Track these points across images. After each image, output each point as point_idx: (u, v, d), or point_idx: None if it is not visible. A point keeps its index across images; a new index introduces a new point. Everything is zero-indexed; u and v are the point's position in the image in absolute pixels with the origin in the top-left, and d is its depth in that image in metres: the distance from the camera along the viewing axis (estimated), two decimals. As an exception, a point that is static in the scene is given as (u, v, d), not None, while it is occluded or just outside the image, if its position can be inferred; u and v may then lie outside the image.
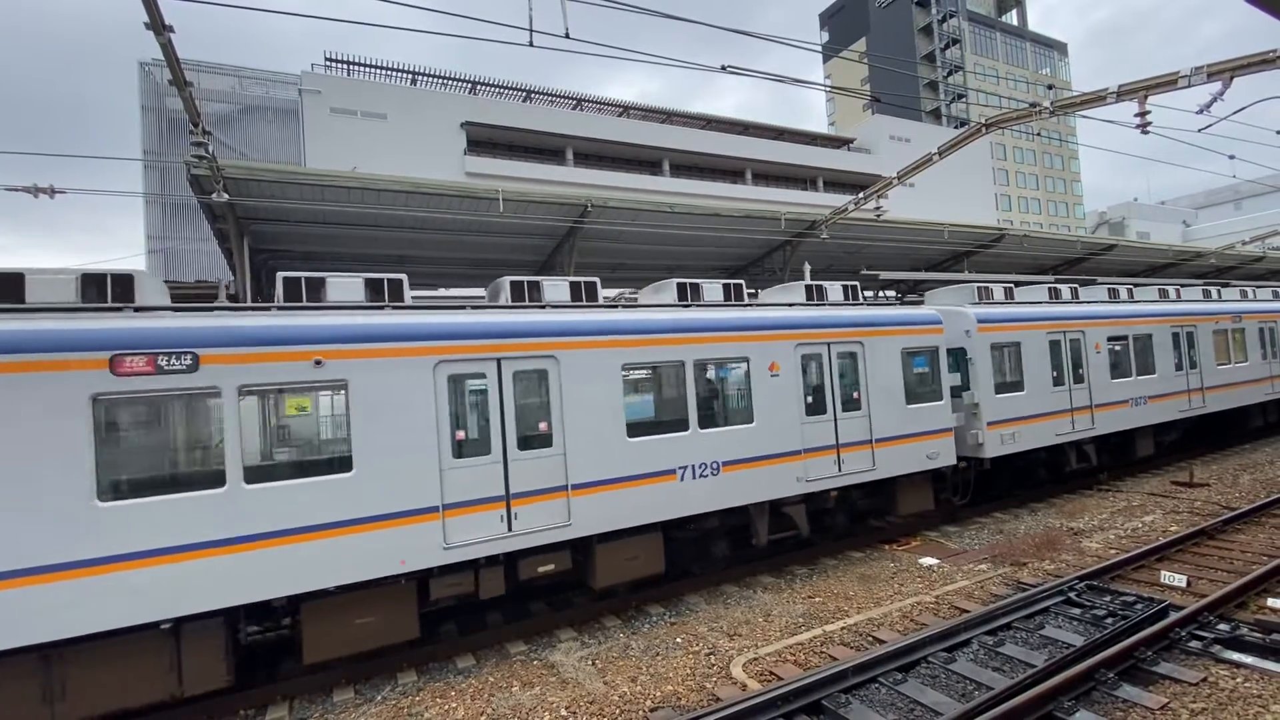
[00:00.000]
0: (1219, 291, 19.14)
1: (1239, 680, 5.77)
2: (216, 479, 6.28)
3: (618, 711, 6.11)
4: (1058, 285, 15.02)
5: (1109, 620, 7.05)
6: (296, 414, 7.05)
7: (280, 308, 7.16)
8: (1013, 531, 11.28)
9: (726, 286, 10.24)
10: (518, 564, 7.74)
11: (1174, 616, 6.76)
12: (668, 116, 47.28)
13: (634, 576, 8.50)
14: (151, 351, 6.11)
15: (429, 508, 7.06)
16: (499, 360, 7.68)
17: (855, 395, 10.33)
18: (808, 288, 11.04)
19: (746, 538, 9.65)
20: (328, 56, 38.52)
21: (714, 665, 6.94)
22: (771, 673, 6.64)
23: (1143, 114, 9.70)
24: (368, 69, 39.53)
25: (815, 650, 7.12)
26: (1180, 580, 8.13)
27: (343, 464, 6.77)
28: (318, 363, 6.72)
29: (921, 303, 13.85)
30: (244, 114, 35.62)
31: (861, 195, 14.55)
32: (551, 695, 6.52)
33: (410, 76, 40.36)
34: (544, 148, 41.41)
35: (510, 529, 7.47)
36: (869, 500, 10.97)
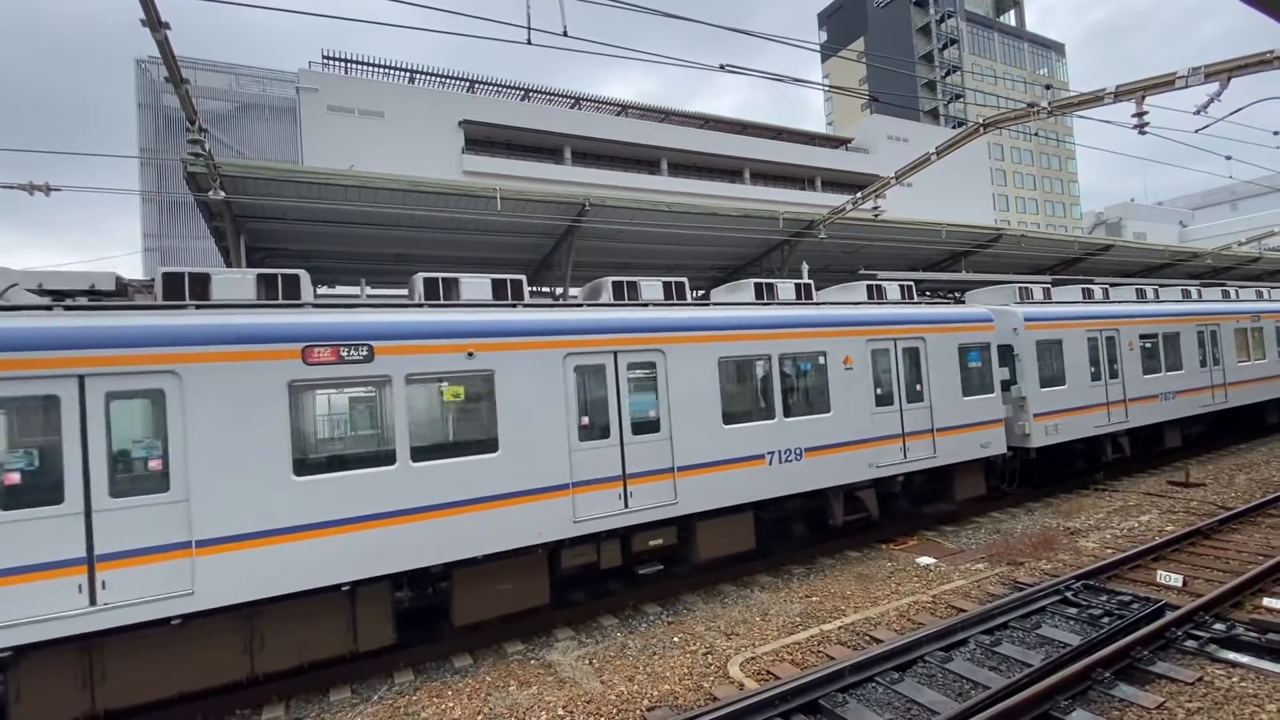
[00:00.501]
0: (1237, 292, 19.72)
1: (1235, 680, 5.79)
2: (389, 458, 7.07)
3: (615, 711, 6.11)
4: (1090, 286, 15.60)
5: (1105, 620, 7.07)
6: (452, 400, 7.77)
7: (431, 305, 7.92)
8: (1009, 531, 11.31)
9: (797, 286, 11.01)
10: (632, 538, 8.52)
11: (1170, 616, 6.77)
12: (666, 116, 47.25)
13: (729, 552, 9.22)
14: (335, 343, 6.90)
15: (561, 485, 7.87)
16: (615, 353, 8.50)
17: (918, 388, 11.14)
18: (869, 287, 11.89)
19: (822, 520, 10.45)
20: (325, 54, 38.41)
21: (711, 664, 6.94)
22: (769, 672, 6.64)
23: (1140, 114, 9.71)
24: (365, 67, 39.42)
25: (812, 649, 7.12)
26: (1176, 580, 8.15)
27: (490, 445, 7.59)
28: (470, 355, 7.59)
29: (963, 303, 14.37)
30: (241, 112, 35.52)
31: (859, 195, 14.56)
32: (549, 695, 6.51)
33: (408, 75, 40.27)
34: (542, 146, 41.35)
35: (627, 505, 8.31)
36: (929, 485, 11.78)
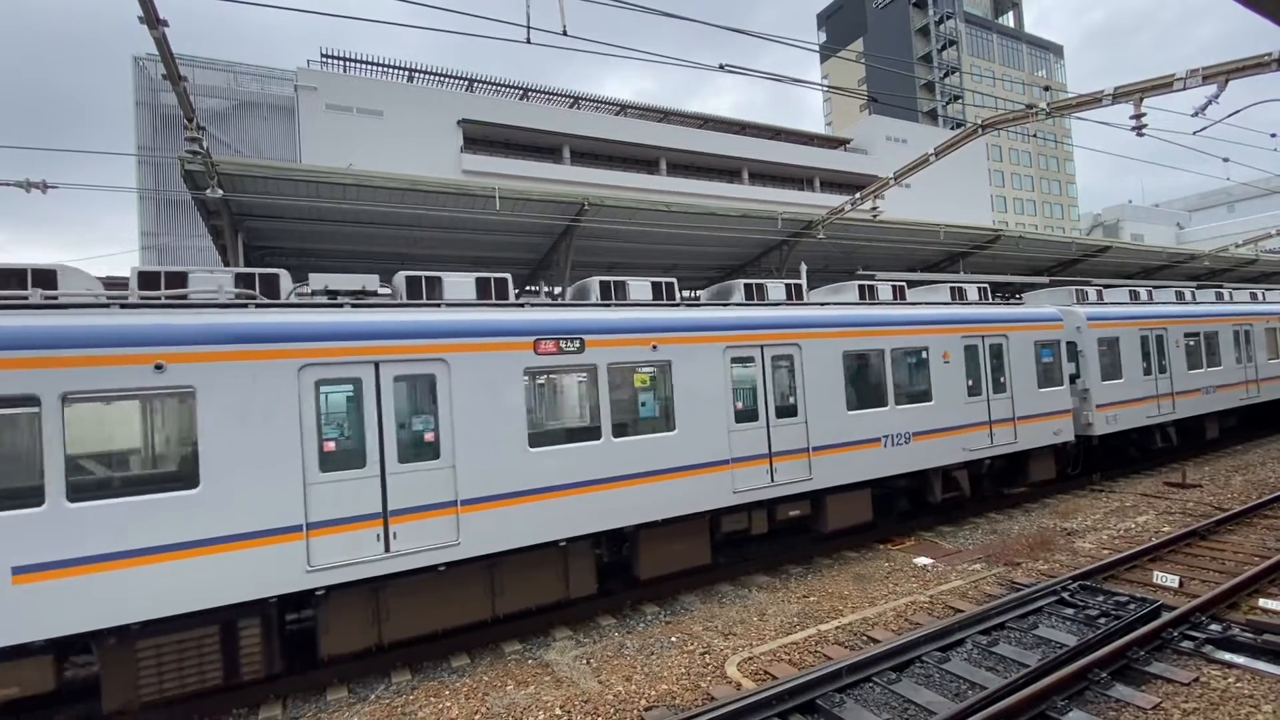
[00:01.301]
0: (1264, 294, 20.62)
1: (1230, 680, 5.80)
2: (596, 433, 8.26)
3: (612, 711, 6.10)
4: (1136, 289, 16.91)
5: (1102, 620, 7.08)
6: (641, 386, 8.93)
7: (620, 305, 9.09)
8: (1006, 531, 11.32)
9: (894, 288, 12.20)
10: (776, 508, 9.65)
11: (1166, 617, 6.78)
12: (665, 115, 47.23)
13: (852, 523, 10.40)
14: (556, 337, 8.08)
15: (723, 460, 9.07)
16: (762, 347, 9.66)
17: (1001, 380, 12.32)
18: (952, 289, 13.07)
19: (921, 498, 11.62)
20: (324, 53, 38.32)
21: (709, 664, 6.94)
22: (766, 672, 6.64)
23: (1138, 116, 9.74)
24: (364, 66, 39.34)
25: (810, 649, 7.13)
26: (1173, 580, 8.17)
27: (669, 424, 8.77)
28: (654, 348, 8.75)
29: (1022, 304, 15.45)
30: (239, 110, 35.41)
31: (858, 195, 14.57)
32: (546, 694, 6.51)
33: (407, 73, 40.19)
34: (541, 146, 41.30)
35: (773, 480, 9.47)
36: (1009, 468, 12.88)
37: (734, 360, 9.40)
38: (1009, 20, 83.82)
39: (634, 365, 8.70)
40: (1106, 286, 16.47)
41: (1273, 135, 15.82)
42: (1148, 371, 15.08)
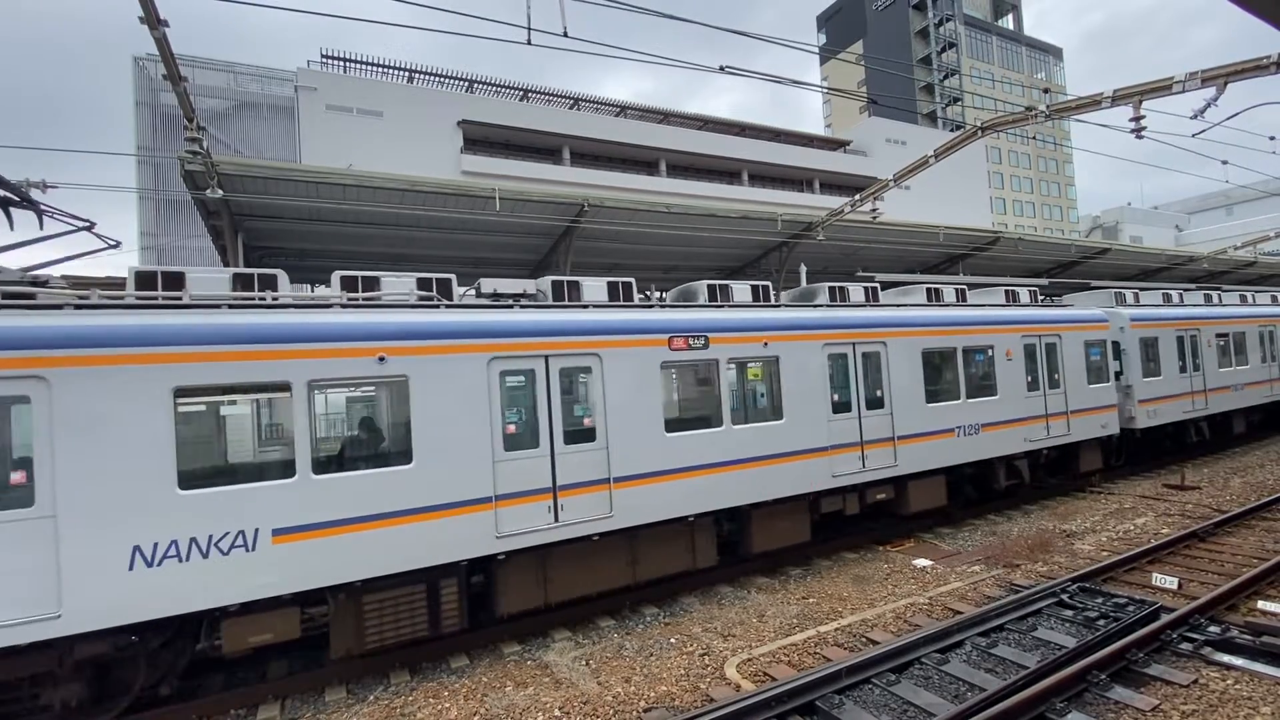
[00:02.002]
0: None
1: (1229, 682, 5.80)
2: (718, 420, 9.15)
3: (611, 712, 6.10)
4: (1169, 291, 17.89)
5: (1101, 622, 7.08)
6: (753, 379, 9.94)
7: (722, 305, 9.94)
8: (1005, 533, 11.33)
9: (958, 290, 13.08)
10: (865, 491, 10.57)
11: (1165, 619, 6.78)
12: (665, 117, 47.29)
13: (929, 507, 11.34)
14: (686, 334, 8.99)
15: (822, 448, 9.94)
16: (854, 345, 10.63)
17: (1056, 377, 13.24)
18: (1007, 291, 13.99)
19: (985, 485, 12.58)
20: (324, 53, 38.36)
21: (708, 666, 6.93)
22: (765, 673, 6.64)
23: (1137, 119, 9.76)
24: (364, 66, 39.38)
25: (809, 651, 7.12)
26: (1171, 582, 8.18)
27: (778, 414, 9.67)
28: (765, 345, 9.66)
29: (1072, 306, 16.21)
30: (239, 110, 35.45)
31: (858, 197, 14.59)
32: (545, 695, 6.50)
33: (407, 74, 40.24)
34: (540, 147, 41.34)
35: (864, 466, 10.35)
36: (1061, 459, 13.81)
37: (831, 356, 10.34)
38: (1008, 23, 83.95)
39: (748, 360, 9.74)
40: (1142, 289, 17.61)
41: (1271, 138, 15.86)
42: (1183, 370, 16.11)
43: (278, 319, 6.77)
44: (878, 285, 12.10)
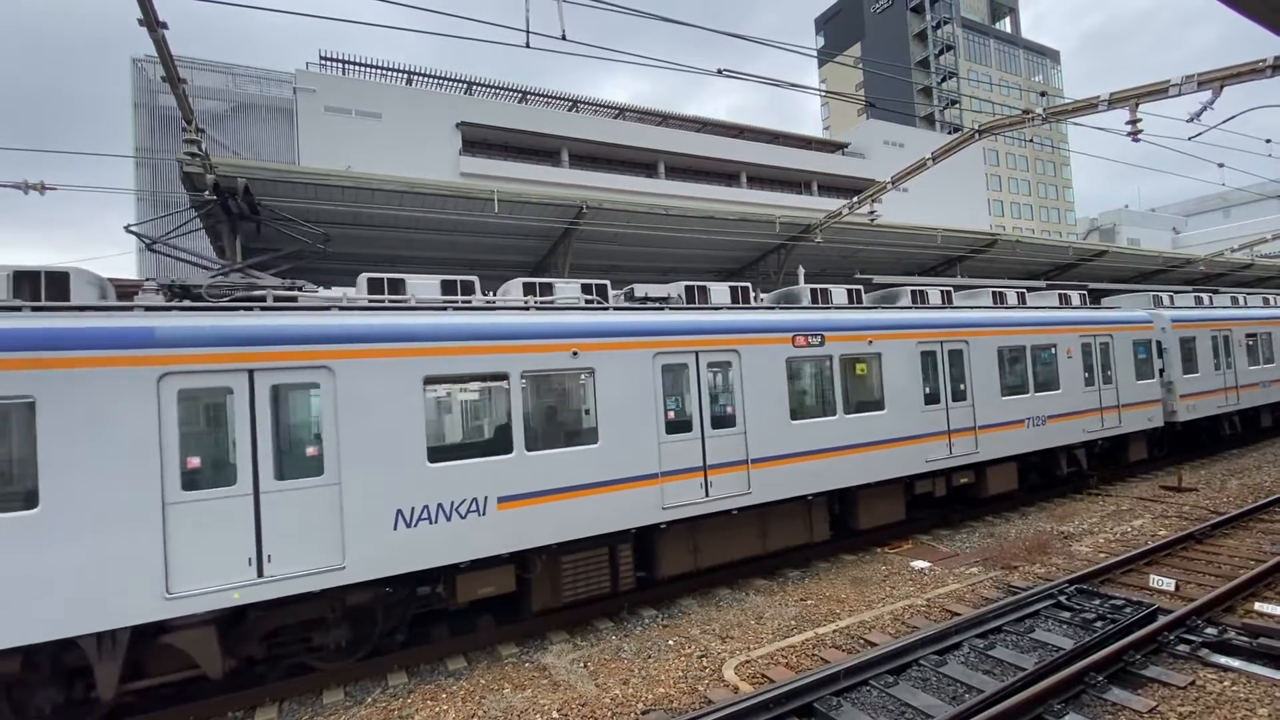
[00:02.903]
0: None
1: (1226, 684, 5.81)
2: (832, 409, 10.20)
3: (609, 714, 6.09)
4: (1201, 294, 18.98)
5: (1098, 623, 7.10)
6: (861, 373, 10.78)
7: (823, 307, 10.94)
8: (1003, 535, 11.34)
9: (1019, 294, 14.29)
10: (950, 476, 11.68)
11: (1162, 620, 6.79)
12: (663, 119, 47.35)
13: (1003, 490, 12.51)
14: (806, 333, 10.05)
15: (915, 435, 10.99)
16: (941, 344, 11.65)
17: (1108, 373, 14.38)
18: (1060, 295, 15.15)
19: (1049, 471, 13.65)
20: (323, 55, 38.39)
21: (706, 667, 6.93)
22: (763, 675, 6.64)
23: (1134, 122, 9.80)
24: (363, 68, 39.39)
25: (807, 653, 7.13)
26: (1169, 584, 8.19)
27: (880, 404, 10.70)
28: (870, 342, 10.68)
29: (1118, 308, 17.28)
30: (238, 112, 35.44)
31: (856, 199, 14.62)
32: (543, 698, 6.50)
33: (406, 76, 40.25)
34: (539, 149, 41.36)
35: (951, 453, 11.47)
36: (1112, 449, 14.91)
37: (923, 353, 11.39)
38: (1005, 25, 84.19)
39: (857, 357, 10.64)
40: (1177, 292, 18.83)
41: (1268, 140, 15.91)
42: (1217, 367, 17.26)
43: (499, 319, 7.91)
44: (953, 289, 13.45)
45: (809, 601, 8.69)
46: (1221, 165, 17.39)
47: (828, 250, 16.85)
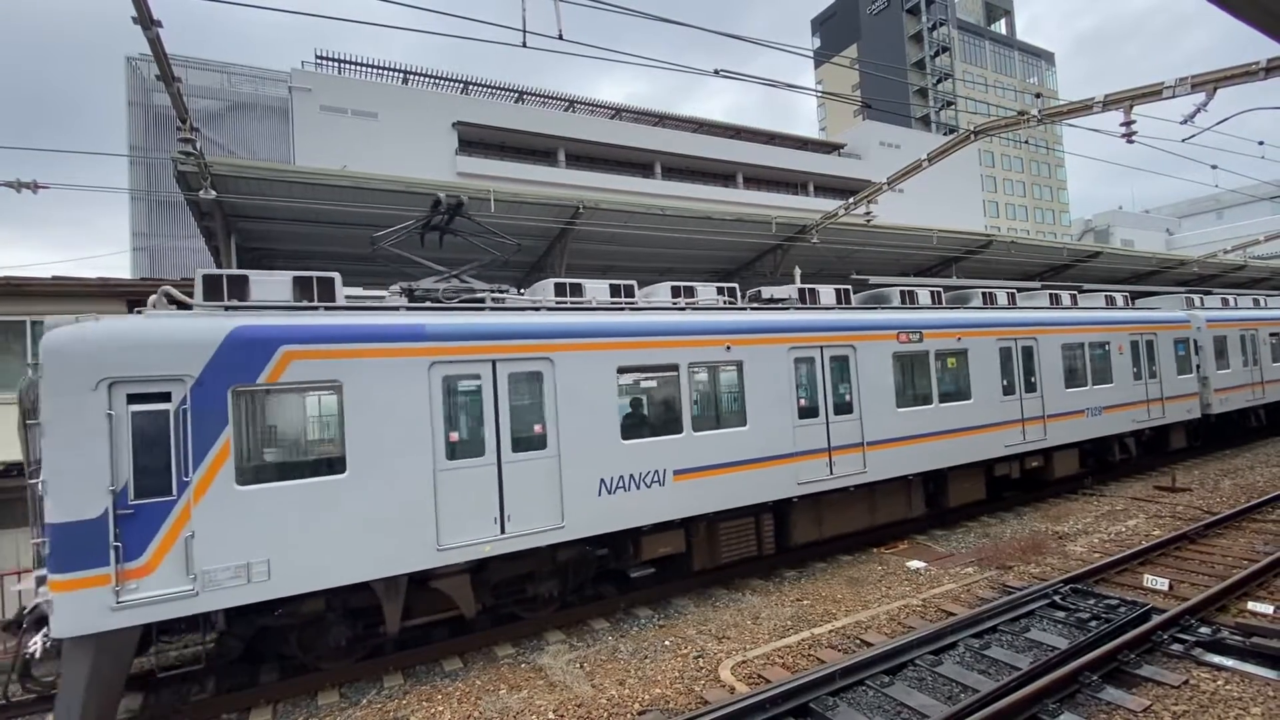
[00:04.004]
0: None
1: (1220, 683, 5.84)
2: (929, 399, 11.43)
3: (605, 715, 6.08)
4: (1226, 296, 20.21)
5: (1093, 623, 7.12)
6: (951, 366, 11.95)
7: (910, 308, 12.15)
8: (999, 535, 11.38)
9: (1071, 296, 15.55)
10: (1024, 460, 12.90)
11: (1156, 620, 6.83)
12: (660, 119, 47.36)
13: (1069, 473, 13.92)
14: (908, 330, 11.26)
15: (994, 423, 12.24)
16: (1015, 341, 12.91)
17: (1154, 369, 15.72)
18: (1106, 296, 16.43)
19: (1102, 458, 14.93)
20: (318, 54, 38.29)
21: (702, 668, 6.93)
22: (760, 675, 6.64)
23: (1128, 124, 9.84)
24: (359, 67, 39.30)
25: (803, 653, 7.13)
26: (1162, 584, 8.23)
27: (967, 394, 11.96)
28: (959, 340, 11.96)
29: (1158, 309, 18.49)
30: (233, 111, 35.26)
31: (852, 200, 14.65)
32: (539, 698, 6.49)
33: (402, 75, 40.18)
34: (536, 149, 41.31)
35: (1024, 439, 12.60)
36: (1156, 439, 16.14)
37: (1000, 349, 12.54)
38: (1000, 28, 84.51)
39: (949, 352, 11.83)
40: (1205, 294, 19.89)
41: (1260, 143, 16.01)
42: (1245, 364, 18.58)
43: (670, 318, 9.15)
44: (1015, 291, 14.67)
45: (805, 602, 8.70)
46: (1215, 167, 17.50)
47: (824, 251, 16.86)
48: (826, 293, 11.51)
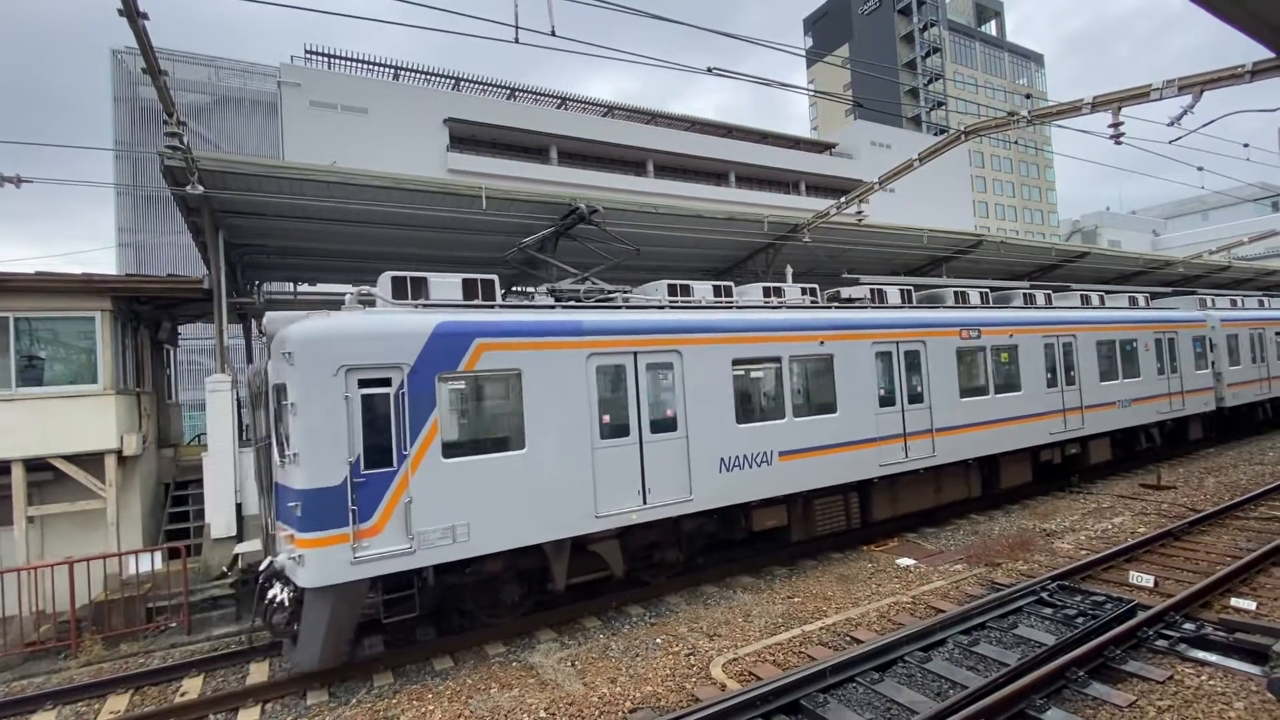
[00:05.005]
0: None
1: (1204, 678, 5.92)
2: (984, 390, 12.56)
3: (597, 713, 6.08)
4: (1235, 297, 21.46)
5: (1080, 620, 7.19)
6: (1004, 360, 13.07)
7: (963, 307, 13.30)
8: (987, 532, 11.47)
9: (1100, 297, 16.79)
10: (1063, 447, 14.03)
11: (1142, 616, 6.91)
12: (652, 117, 47.26)
13: (1102, 459, 15.04)
14: (967, 328, 12.42)
15: (1042, 412, 13.41)
16: (1058, 338, 14.12)
17: (1175, 364, 16.99)
18: (1130, 297, 17.63)
19: (1129, 447, 16.07)
20: (308, 49, 37.88)
21: (693, 666, 6.94)
22: (751, 673, 6.66)
23: (1116, 125, 9.93)
24: (349, 62, 38.93)
25: (794, 650, 7.16)
26: (1148, 580, 8.33)
27: (1018, 385, 13.11)
28: (1010, 336, 13.09)
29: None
30: (220, 105, 34.84)
31: (843, 200, 14.70)
32: (530, 697, 6.48)
33: (393, 71, 39.84)
34: (528, 146, 41.10)
35: (1065, 428, 13.87)
36: (1176, 430, 17.46)
37: (1045, 345, 13.68)
38: (991, 29, 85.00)
39: (1002, 347, 12.91)
40: (1217, 295, 21.15)
41: (1245, 145, 16.20)
42: (1254, 361, 19.86)
43: (773, 316, 10.19)
44: (1050, 293, 15.68)
45: (796, 599, 8.74)
46: (1201, 169, 17.69)
47: (815, 250, 16.91)
48: (893, 293, 12.53)
